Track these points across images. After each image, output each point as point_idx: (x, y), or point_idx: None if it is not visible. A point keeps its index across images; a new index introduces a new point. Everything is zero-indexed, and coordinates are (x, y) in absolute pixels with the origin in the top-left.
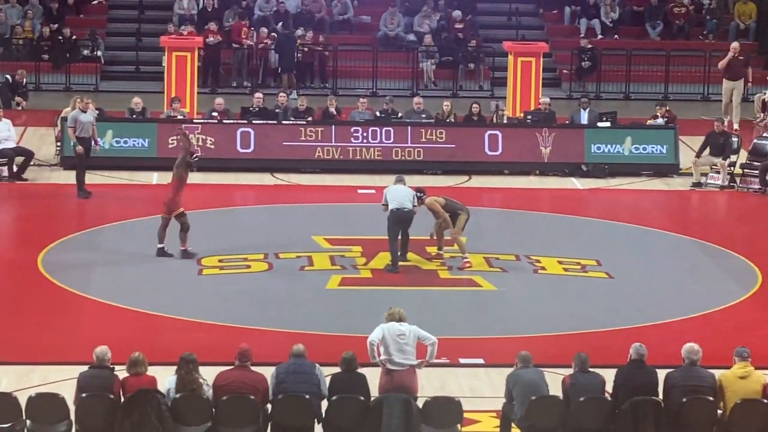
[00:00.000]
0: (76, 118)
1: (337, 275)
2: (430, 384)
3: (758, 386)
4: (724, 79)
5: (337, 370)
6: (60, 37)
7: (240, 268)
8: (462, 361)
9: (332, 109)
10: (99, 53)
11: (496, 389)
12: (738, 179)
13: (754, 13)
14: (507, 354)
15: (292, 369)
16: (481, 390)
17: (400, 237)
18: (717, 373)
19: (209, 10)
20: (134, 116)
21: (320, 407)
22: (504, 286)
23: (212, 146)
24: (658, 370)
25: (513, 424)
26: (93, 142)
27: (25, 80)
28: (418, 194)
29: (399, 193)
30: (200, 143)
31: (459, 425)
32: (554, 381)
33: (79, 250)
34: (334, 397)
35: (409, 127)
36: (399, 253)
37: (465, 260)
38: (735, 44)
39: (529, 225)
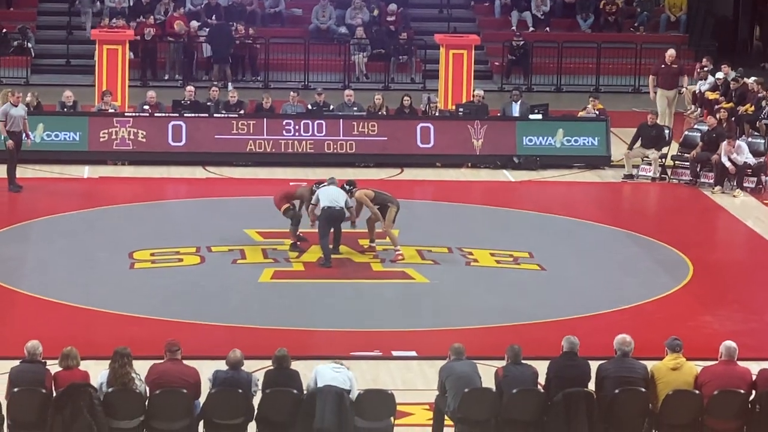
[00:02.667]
0: (7, 112)
1: (270, 268)
2: (363, 377)
3: (690, 378)
4: (658, 89)
5: (269, 363)
6: None
7: (172, 262)
8: (395, 353)
9: (266, 106)
10: (29, 45)
11: (428, 382)
12: (669, 171)
13: (685, 5)
14: (440, 346)
15: (228, 381)
16: (414, 383)
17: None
18: (649, 364)
19: (143, 3)
20: (65, 110)
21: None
22: (436, 279)
23: (144, 139)
24: (590, 362)
25: (446, 417)
26: (24, 136)
27: None
28: (348, 187)
29: (330, 192)
30: (132, 136)
31: (392, 418)
32: (487, 373)
33: (9, 243)
34: (267, 390)
35: (341, 120)
36: (331, 246)
37: (397, 252)
38: (670, 52)
39: (462, 217)
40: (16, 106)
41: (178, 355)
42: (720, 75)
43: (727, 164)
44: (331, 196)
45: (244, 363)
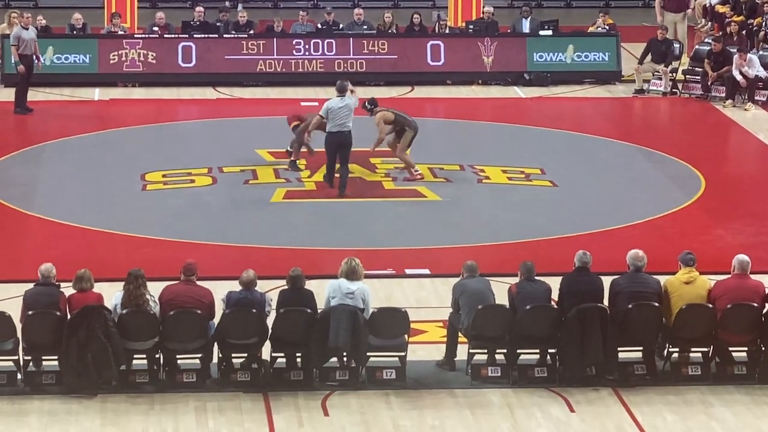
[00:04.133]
0: (19, 35)
1: (282, 188)
2: (376, 295)
3: (703, 291)
4: (665, 12)
5: (283, 283)
6: None
7: (184, 183)
8: (408, 271)
9: (278, 29)
10: None
11: (442, 299)
12: (680, 85)
13: None
14: (452, 264)
15: (241, 301)
16: (427, 300)
17: (339, 165)
18: (662, 279)
19: None
20: (74, 32)
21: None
22: (448, 197)
23: (154, 61)
24: (603, 277)
25: (460, 334)
26: (35, 59)
27: None
28: (369, 106)
29: (340, 111)
30: (141, 58)
31: (406, 336)
32: (501, 289)
33: (21, 167)
34: (281, 310)
35: (351, 39)
36: (339, 191)
37: (416, 173)
38: None
39: (473, 135)
40: (27, 28)
41: (193, 278)
42: None
43: (739, 78)
44: (339, 118)
45: (257, 283)
